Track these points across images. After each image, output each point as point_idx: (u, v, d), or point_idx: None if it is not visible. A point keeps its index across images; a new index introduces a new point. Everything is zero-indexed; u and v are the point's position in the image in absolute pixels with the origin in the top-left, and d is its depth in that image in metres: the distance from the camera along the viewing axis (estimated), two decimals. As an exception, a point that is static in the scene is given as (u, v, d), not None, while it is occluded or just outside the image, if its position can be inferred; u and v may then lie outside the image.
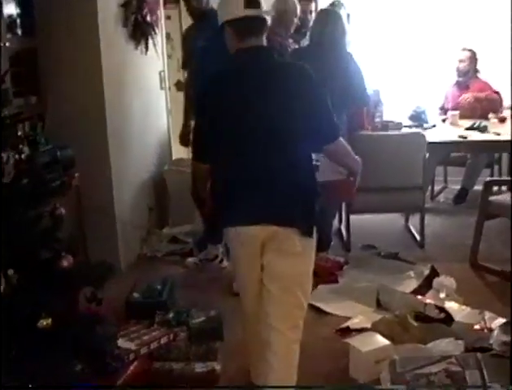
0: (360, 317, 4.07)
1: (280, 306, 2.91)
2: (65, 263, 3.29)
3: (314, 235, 2.93)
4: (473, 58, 6.45)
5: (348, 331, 3.92)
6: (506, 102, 6.69)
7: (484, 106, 6.28)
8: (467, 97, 6.30)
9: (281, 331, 2.90)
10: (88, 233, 4.73)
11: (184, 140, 5.17)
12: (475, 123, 5.78)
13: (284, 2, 5.17)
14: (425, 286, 4.40)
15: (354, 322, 4.01)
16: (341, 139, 2.99)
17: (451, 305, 4.10)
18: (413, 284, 4.44)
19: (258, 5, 2.80)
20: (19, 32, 4.29)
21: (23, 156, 3.60)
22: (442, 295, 4.26)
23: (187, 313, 4.02)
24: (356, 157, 3.09)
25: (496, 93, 6.41)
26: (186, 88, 5.21)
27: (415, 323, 3.74)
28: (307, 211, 2.87)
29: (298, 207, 2.84)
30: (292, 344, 2.95)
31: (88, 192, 4.62)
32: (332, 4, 5.59)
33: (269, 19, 2.89)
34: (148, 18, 5.16)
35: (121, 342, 3.61)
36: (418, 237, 5.41)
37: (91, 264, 4.54)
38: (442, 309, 3.92)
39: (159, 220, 5.63)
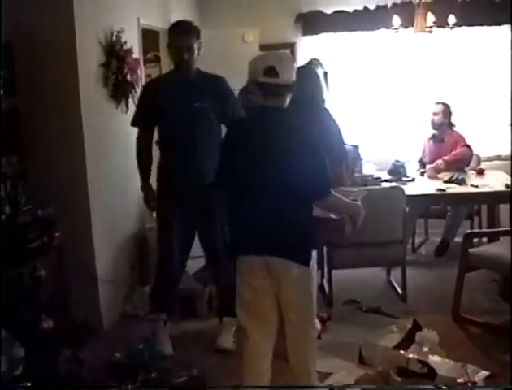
0: (342, 373, 4.05)
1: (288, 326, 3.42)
2: (45, 325, 3.27)
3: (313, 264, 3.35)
4: (446, 111, 6.55)
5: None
6: (482, 154, 6.80)
7: (458, 166, 6.36)
8: (439, 163, 6.37)
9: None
10: (70, 292, 4.71)
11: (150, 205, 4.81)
12: (453, 176, 5.84)
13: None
14: (408, 340, 4.37)
15: (337, 379, 3.98)
16: (333, 194, 3.34)
17: (434, 359, 4.10)
18: (396, 339, 4.40)
19: (275, 74, 3.27)
20: (1, 91, 4.31)
21: (3, 216, 3.62)
22: (425, 349, 4.25)
23: (169, 372, 3.98)
24: (352, 202, 3.50)
25: (468, 146, 6.50)
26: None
27: (398, 379, 3.73)
28: (303, 248, 3.32)
29: (295, 244, 3.30)
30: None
31: (69, 251, 4.62)
32: (310, 62, 5.67)
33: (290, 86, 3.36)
34: (128, 77, 5.20)
35: (104, 403, 3.57)
36: (400, 291, 5.41)
37: (72, 325, 4.52)
38: (425, 364, 3.91)
39: (141, 278, 5.59)
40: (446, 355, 4.19)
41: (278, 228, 3.28)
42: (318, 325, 3.94)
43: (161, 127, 4.52)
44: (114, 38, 5.07)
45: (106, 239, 5.00)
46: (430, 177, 6.23)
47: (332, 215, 3.53)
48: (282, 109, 3.39)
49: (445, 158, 6.38)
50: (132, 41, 5.45)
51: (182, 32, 4.34)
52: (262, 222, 3.29)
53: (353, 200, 3.56)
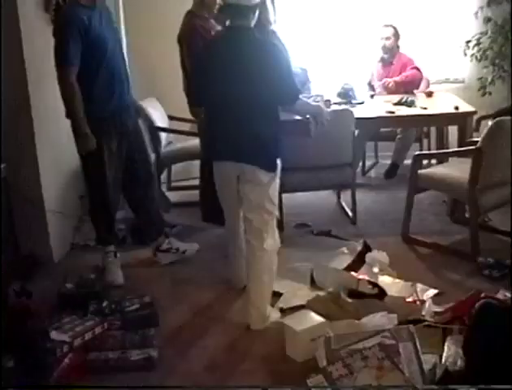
0: (292, 292, 4.11)
1: (249, 222, 3.89)
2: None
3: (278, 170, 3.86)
4: (396, 34, 6.51)
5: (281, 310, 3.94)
6: (431, 77, 6.81)
7: (407, 87, 6.37)
8: (389, 81, 6.38)
9: (248, 240, 3.91)
10: (17, 225, 4.64)
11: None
12: (402, 98, 5.83)
13: None
14: (358, 262, 4.43)
15: (287, 299, 4.03)
16: (301, 99, 3.93)
17: (384, 280, 4.16)
18: (346, 261, 4.46)
19: None
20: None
21: None
22: (375, 270, 4.31)
23: (121, 301, 3.97)
24: (315, 103, 4.22)
25: (417, 68, 6.50)
26: None
27: (349, 300, 3.78)
28: (267, 153, 3.79)
29: (260, 150, 3.76)
30: (257, 251, 3.86)
31: (15, 183, 4.54)
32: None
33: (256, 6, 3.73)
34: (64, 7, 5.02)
35: (54, 334, 3.54)
36: (350, 214, 5.45)
37: (20, 257, 4.48)
38: (375, 285, 3.96)
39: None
40: (397, 275, 4.25)
41: (247, 138, 3.75)
42: (278, 239, 4.03)
43: None
44: (52, -41, 4.88)
45: (53, 170, 4.91)
46: (379, 94, 6.28)
47: (298, 117, 4.26)
48: (248, 27, 3.75)
49: (396, 78, 6.38)
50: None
51: None
52: (233, 132, 3.78)
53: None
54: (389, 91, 6.34)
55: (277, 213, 4.05)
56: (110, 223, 4.62)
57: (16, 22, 4.43)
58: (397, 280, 4.20)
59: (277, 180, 3.90)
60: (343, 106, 5.61)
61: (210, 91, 3.84)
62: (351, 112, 5.17)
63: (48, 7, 4.87)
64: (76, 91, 4.14)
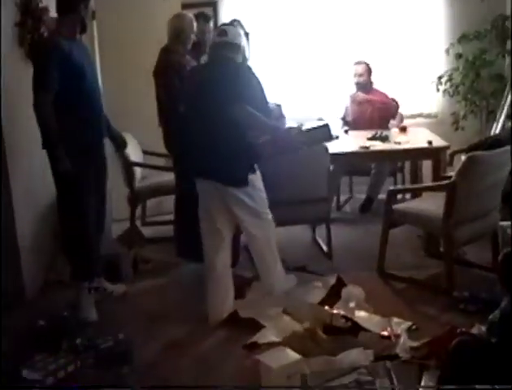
0: (270, 328, 4.05)
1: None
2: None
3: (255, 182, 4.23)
4: (369, 70, 6.59)
5: (256, 347, 3.89)
6: (405, 111, 6.89)
7: (382, 113, 6.45)
8: (367, 98, 6.46)
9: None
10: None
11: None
12: (376, 133, 5.88)
13: (180, 19, 5.24)
14: (333, 296, 4.42)
15: (262, 337, 3.98)
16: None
17: (360, 315, 4.15)
18: (321, 295, 4.46)
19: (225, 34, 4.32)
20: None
21: None
22: (351, 304, 4.30)
23: (94, 338, 3.92)
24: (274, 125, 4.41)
25: (393, 100, 6.60)
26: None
27: (324, 336, 3.77)
28: (236, 169, 4.16)
29: (228, 166, 4.15)
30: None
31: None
32: (231, 23, 5.60)
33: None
34: (45, 36, 5.03)
35: (26, 373, 3.49)
36: (325, 248, 5.45)
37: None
38: (348, 319, 3.95)
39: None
40: (372, 310, 4.24)
41: (217, 157, 4.13)
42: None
43: None
44: (29, -4, 4.90)
45: (27, 205, 4.86)
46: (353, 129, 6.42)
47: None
48: (232, 58, 4.28)
49: (375, 98, 6.45)
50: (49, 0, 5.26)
51: None
52: (206, 152, 4.19)
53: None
54: (365, 122, 6.40)
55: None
56: (87, 255, 4.54)
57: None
58: (373, 315, 4.19)
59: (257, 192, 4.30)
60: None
61: (190, 109, 4.36)
62: (326, 148, 5.18)
63: (23, 42, 4.87)
64: (52, 115, 4.16)
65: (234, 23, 5.40)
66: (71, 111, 4.28)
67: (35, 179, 4.98)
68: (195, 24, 5.24)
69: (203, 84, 4.28)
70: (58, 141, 4.20)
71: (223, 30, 4.41)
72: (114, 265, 5.03)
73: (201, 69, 4.73)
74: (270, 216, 4.41)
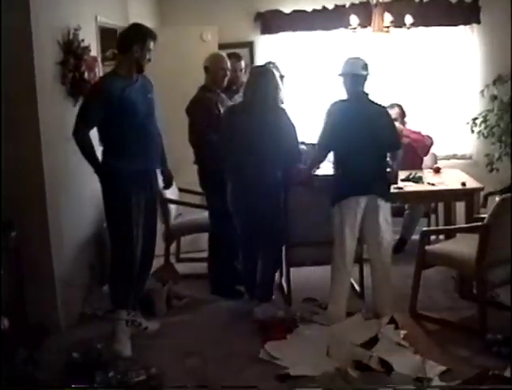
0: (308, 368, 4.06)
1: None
2: (1, 326, 3.22)
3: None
4: (402, 113, 6.60)
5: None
6: (439, 152, 6.90)
7: (416, 150, 6.47)
8: (401, 129, 6.47)
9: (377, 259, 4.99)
10: (27, 292, 4.65)
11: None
12: (410, 174, 5.89)
13: (211, 58, 5.39)
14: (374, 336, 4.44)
15: (296, 369, 4.00)
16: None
17: (396, 354, 4.15)
18: (367, 335, 4.48)
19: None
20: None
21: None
22: (390, 345, 4.31)
23: (127, 372, 3.96)
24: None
25: (428, 136, 6.60)
26: None
27: (356, 375, 3.76)
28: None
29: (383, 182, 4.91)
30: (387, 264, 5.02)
31: (26, 251, 4.57)
32: (266, 65, 5.69)
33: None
34: (86, 75, 5.17)
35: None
36: (358, 288, 5.45)
37: (29, 325, 4.47)
38: (384, 363, 3.94)
39: (101, 277, 5.55)
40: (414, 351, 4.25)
41: (374, 175, 4.80)
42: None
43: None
44: (71, 36, 5.04)
45: (64, 238, 4.94)
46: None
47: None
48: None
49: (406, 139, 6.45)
50: (90, 39, 5.41)
51: None
52: (363, 171, 4.72)
53: None
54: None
55: None
56: (129, 283, 4.61)
57: (33, 93, 4.56)
58: (409, 355, 4.20)
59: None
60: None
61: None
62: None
63: (64, 80, 5.01)
64: (90, 145, 4.40)
65: (270, 65, 5.50)
66: (124, 142, 4.46)
67: (72, 210, 5.07)
68: (228, 63, 5.35)
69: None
70: (96, 161, 4.45)
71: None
72: (148, 300, 5.08)
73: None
74: None
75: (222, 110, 5.17)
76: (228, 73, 5.35)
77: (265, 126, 4.81)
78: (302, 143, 5.24)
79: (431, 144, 6.61)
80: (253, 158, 4.80)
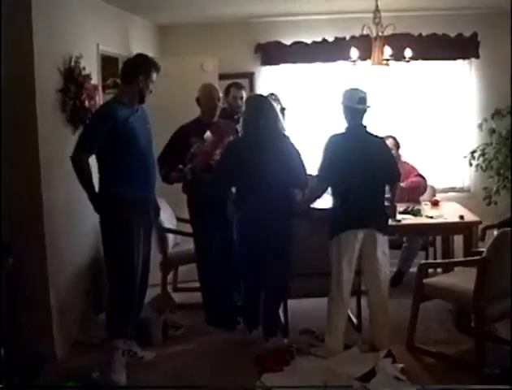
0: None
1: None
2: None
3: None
4: (397, 144, 6.58)
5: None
6: (437, 185, 6.91)
7: (411, 194, 6.42)
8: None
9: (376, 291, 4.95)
10: (22, 319, 4.62)
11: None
12: (408, 207, 5.90)
13: (201, 88, 5.42)
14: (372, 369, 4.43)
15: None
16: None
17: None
18: (365, 368, 4.46)
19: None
20: None
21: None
22: (385, 378, 4.28)
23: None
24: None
25: (421, 176, 6.59)
26: None
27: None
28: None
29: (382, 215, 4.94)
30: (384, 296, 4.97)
31: (23, 278, 4.55)
32: (269, 97, 5.72)
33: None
34: (86, 103, 5.19)
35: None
36: (355, 320, 5.42)
37: (23, 353, 4.44)
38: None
39: (96, 305, 5.52)
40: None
41: (374, 209, 4.83)
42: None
43: None
44: (72, 64, 5.08)
45: (60, 265, 4.93)
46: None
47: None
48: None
49: (402, 184, 6.44)
50: (91, 67, 5.44)
51: None
52: (363, 205, 4.70)
53: None
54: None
55: None
56: (129, 313, 4.60)
57: (34, 118, 4.58)
58: (406, 388, 4.17)
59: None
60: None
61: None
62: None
63: (65, 107, 5.03)
64: (87, 171, 4.42)
65: (272, 97, 5.52)
66: (126, 170, 4.49)
67: (69, 239, 5.07)
68: (220, 93, 5.42)
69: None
70: (91, 189, 4.47)
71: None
72: (144, 329, 5.05)
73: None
74: None
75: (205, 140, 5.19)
76: (218, 103, 5.35)
77: (274, 153, 4.84)
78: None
79: (425, 186, 6.59)
80: (266, 185, 4.80)
